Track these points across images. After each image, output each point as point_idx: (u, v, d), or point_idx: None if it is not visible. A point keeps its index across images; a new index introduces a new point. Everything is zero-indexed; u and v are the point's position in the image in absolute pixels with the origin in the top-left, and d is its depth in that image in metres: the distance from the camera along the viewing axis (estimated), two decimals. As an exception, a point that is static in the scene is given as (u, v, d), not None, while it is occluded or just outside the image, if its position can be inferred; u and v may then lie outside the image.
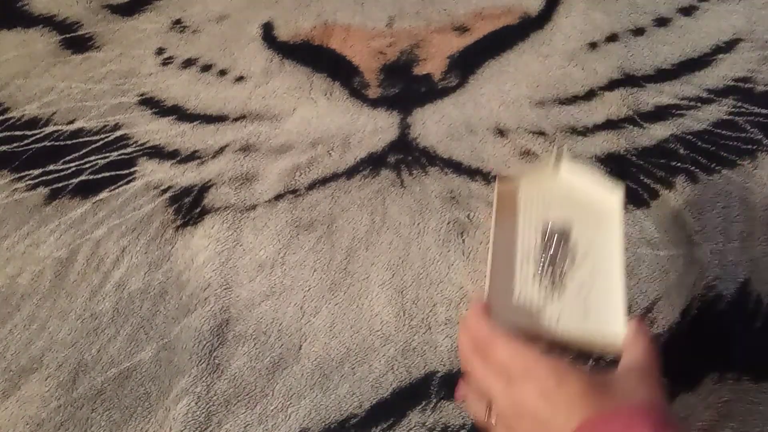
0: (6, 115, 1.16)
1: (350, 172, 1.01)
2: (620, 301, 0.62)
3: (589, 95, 1.06)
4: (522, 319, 0.64)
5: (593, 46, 1.13)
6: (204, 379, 0.82)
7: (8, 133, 1.13)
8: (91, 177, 1.05)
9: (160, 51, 1.23)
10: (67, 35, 1.28)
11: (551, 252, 0.67)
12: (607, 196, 0.72)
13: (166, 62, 1.21)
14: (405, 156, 1.01)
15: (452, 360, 0.81)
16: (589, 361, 0.67)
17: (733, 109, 1.02)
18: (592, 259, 0.67)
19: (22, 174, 1.07)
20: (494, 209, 0.72)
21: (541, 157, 0.74)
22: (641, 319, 0.59)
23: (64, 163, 1.07)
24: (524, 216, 0.71)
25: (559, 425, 0.47)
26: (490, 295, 0.66)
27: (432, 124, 1.04)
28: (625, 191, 0.94)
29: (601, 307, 0.63)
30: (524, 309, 0.65)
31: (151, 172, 1.04)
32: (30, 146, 1.10)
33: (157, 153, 1.07)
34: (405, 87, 1.10)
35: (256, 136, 1.07)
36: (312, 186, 1.00)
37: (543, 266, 0.67)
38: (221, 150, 1.06)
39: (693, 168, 0.95)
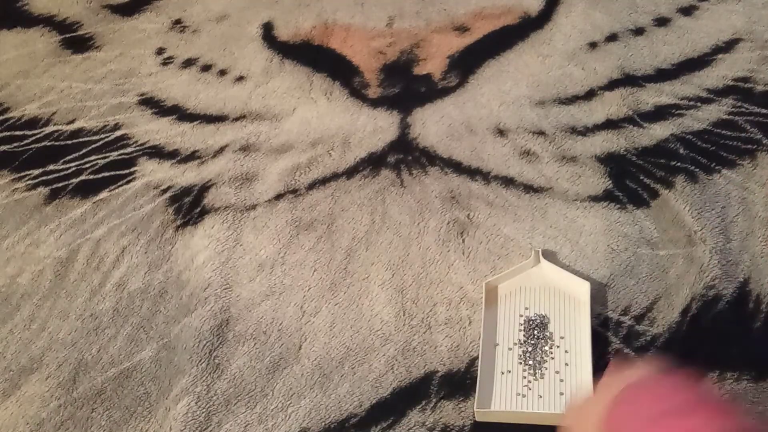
0: (6, 115, 1.16)
1: (350, 172, 1.01)
2: (590, 382, 0.75)
3: (589, 95, 1.06)
4: (508, 402, 0.76)
5: (593, 46, 1.13)
6: (204, 378, 0.82)
7: (8, 133, 1.13)
8: (91, 177, 1.05)
9: (160, 51, 1.23)
10: (67, 35, 1.28)
11: (532, 338, 0.80)
12: (578, 287, 0.83)
13: (166, 62, 1.21)
14: (405, 156, 1.01)
15: (452, 359, 0.81)
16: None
17: (732, 109, 1.02)
18: (567, 343, 0.80)
19: (22, 174, 1.07)
20: (483, 306, 0.83)
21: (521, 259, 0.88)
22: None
23: (64, 163, 1.07)
24: (506, 308, 0.83)
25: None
26: (480, 383, 0.77)
27: (432, 124, 1.04)
28: (625, 191, 0.94)
29: (574, 388, 0.76)
30: (510, 392, 0.76)
31: (151, 172, 1.04)
32: (30, 146, 1.11)
33: (157, 153, 1.07)
34: (405, 87, 1.10)
35: (256, 136, 1.07)
36: (312, 186, 1.00)
37: (525, 351, 0.79)
38: (221, 150, 1.06)
39: (693, 168, 0.95)
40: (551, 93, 1.07)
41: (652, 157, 0.97)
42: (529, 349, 0.79)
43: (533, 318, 0.82)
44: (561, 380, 0.77)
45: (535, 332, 0.80)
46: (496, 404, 0.76)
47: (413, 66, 1.12)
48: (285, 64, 1.17)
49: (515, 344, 0.80)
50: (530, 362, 0.78)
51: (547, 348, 0.79)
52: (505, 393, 0.77)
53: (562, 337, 0.80)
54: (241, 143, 1.06)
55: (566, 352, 0.79)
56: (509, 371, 0.78)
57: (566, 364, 0.78)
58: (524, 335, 0.81)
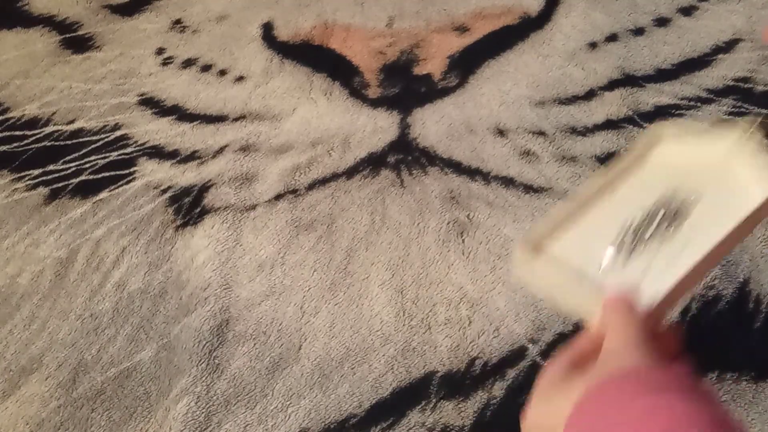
0: (6, 115, 1.16)
1: (350, 172, 1.01)
2: (669, 285, 0.53)
3: (589, 95, 1.06)
4: (576, 258, 0.56)
5: (593, 46, 1.13)
6: (204, 379, 0.82)
7: (8, 133, 1.13)
8: (91, 177, 1.05)
9: (160, 51, 1.23)
10: (67, 35, 1.28)
11: (655, 218, 0.59)
12: (755, 187, 0.60)
13: (166, 62, 1.21)
14: (405, 156, 1.01)
15: (452, 360, 0.81)
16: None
17: (732, 109, 1.02)
18: (692, 243, 0.57)
19: (22, 174, 1.07)
20: (626, 157, 0.62)
21: (727, 122, 0.64)
22: (616, 299, 0.51)
23: (64, 163, 1.07)
24: (650, 173, 0.63)
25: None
26: (548, 220, 0.58)
27: (432, 124, 1.04)
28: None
29: (652, 283, 0.54)
30: (575, 253, 0.57)
31: (151, 172, 1.04)
32: (30, 146, 1.11)
33: (157, 153, 1.07)
34: (405, 87, 1.10)
35: (256, 136, 1.07)
36: (312, 186, 1.00)
37: (636, 228, 0.58)
38: (221, 150, 1.06)
39: (693, 168, 0.95)
40: (551, 93, 1.07)
41: (652, 157, 0.97)
42: (642, 224, 0.58)
43: (670, 199, 0.60)
44: (644, 279, 0.55)
45: (662, 213, 0.59)
46: (551, 253, 0.58)
47: (413, 66, 1.12)
48: (285, 64, 1.17)
49: (636, 213, 0.59)
50: (629, 238, 0.58)
51: (660, 233, 0.58)
52: (570, 251, 0.58)
53: (689, 232, 0.58)
54: (241, 143, 1.06)
55: (681, 247, 0.56)
56: (598, 231, 0.58)
57: (667, 260, 0.56)
58: (649, 210, 0.59)
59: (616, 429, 0.39)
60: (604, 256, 0.57)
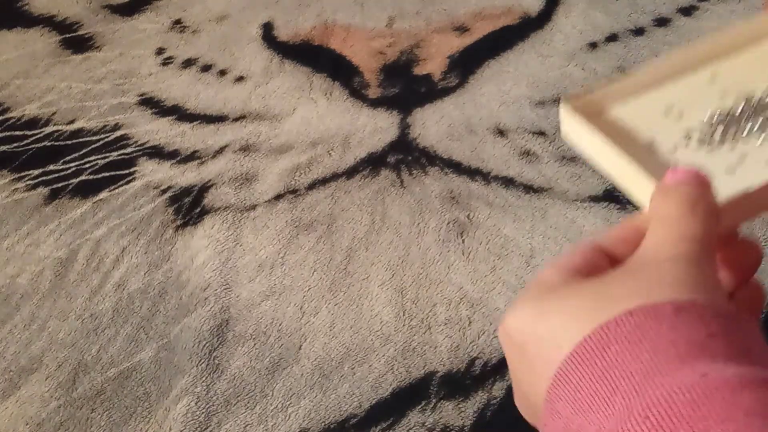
0: (6, 115, 1.16)
1: (350, 172, 1.01)
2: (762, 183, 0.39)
3: (589, 95, 1.06)
4: (644, 129, 0.44)
5: (593, 46, 1.13)
6: (204, 379, 0.82)
7: (8, 133, 1.13)
8: (91, 177, 1.05)
9: (160, 51, 1.23)
10: (67, 35, 1.28)
11: (759, 114, 0.46)
12: None
13: (166, 62, 1.21)
14: (405, 156, 1.01)
15: (452, 360, 0.81)
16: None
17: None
18: None
19: (22, 174, 1.07)
20: (748, 23, 0.49)
21: None
22: (681, 174, 0.34)
23: (64, 163, 1.07)
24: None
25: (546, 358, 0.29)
26: (632, 86, 0.46)
27: (432, 124, 1.04)
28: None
29: (737, 180, 0.41)
30: (662, 126, 0.45)
31: (151, 172, 1.04)
32: (30, 146, 1.11)
33: (157, 153, 1.07)
34: (405, 87, 1.10)
35: (256, 136, 1.07)
36: (312, 186, 1.00)
37: (741, 111, 0.46)
38: (221, 150, 1.06)
39: (693, 168, 0.95)
40: (551, 93, 1.07)
41: (652, 157, 0.97)
42: (748, 107, 0.46)
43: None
44: (730, 174, 0.43)
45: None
46: (613, 115, 0.45)
47: (413, 66, 1.12)
48: (285, 64, 1.17)
49: (744, 92, 0.46)
50: (725, 121, 0.45)
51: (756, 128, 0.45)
52: (639, 119, 0.45)
53: None
54: (241, 143, 1.06)
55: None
56: (681, 113, 0.45)
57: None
58: (762, 94, 0.46)
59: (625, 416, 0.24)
60: (686, 135, 0.45)
